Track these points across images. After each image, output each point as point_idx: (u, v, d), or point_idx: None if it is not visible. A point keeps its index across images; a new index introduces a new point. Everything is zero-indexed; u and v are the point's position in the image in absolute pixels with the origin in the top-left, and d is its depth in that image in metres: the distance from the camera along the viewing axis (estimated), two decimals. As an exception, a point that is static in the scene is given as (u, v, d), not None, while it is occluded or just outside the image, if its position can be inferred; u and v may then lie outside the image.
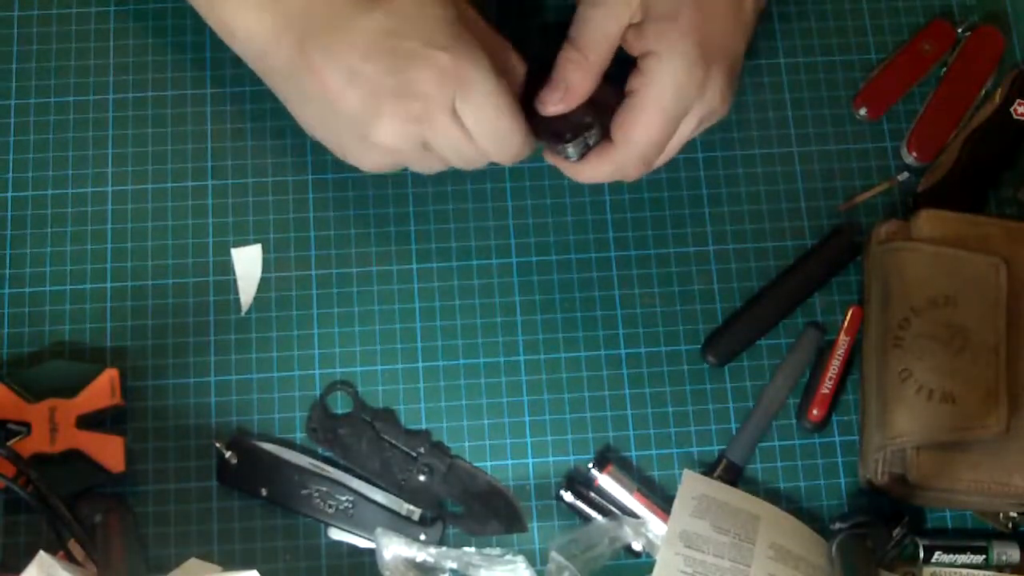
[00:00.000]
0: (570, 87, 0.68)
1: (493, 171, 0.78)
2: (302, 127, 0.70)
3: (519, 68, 0.68)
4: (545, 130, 0.69)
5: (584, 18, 0.68)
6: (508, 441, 0.74)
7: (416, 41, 0.63)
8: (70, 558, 0.66)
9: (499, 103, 0.64)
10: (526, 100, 0.69)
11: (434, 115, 0.64)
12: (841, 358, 0.75)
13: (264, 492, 0.72)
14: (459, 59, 0.63)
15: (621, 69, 0.69)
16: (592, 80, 0.68)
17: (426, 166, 0.69)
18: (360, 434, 0.73)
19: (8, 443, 0.68)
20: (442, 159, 0.68)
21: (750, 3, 0.71)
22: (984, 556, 0.72)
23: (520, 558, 0.70)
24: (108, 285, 0.75)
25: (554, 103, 0.68)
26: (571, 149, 0.70)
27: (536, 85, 0.69)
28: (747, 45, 0.71)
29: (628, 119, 0.68)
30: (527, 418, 0.74)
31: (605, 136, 0.70)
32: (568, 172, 0.73)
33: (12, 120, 0.78)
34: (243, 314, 0.75)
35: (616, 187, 0.78)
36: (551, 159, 0.73)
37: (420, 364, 0.75)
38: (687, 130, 0.70)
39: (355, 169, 0.70)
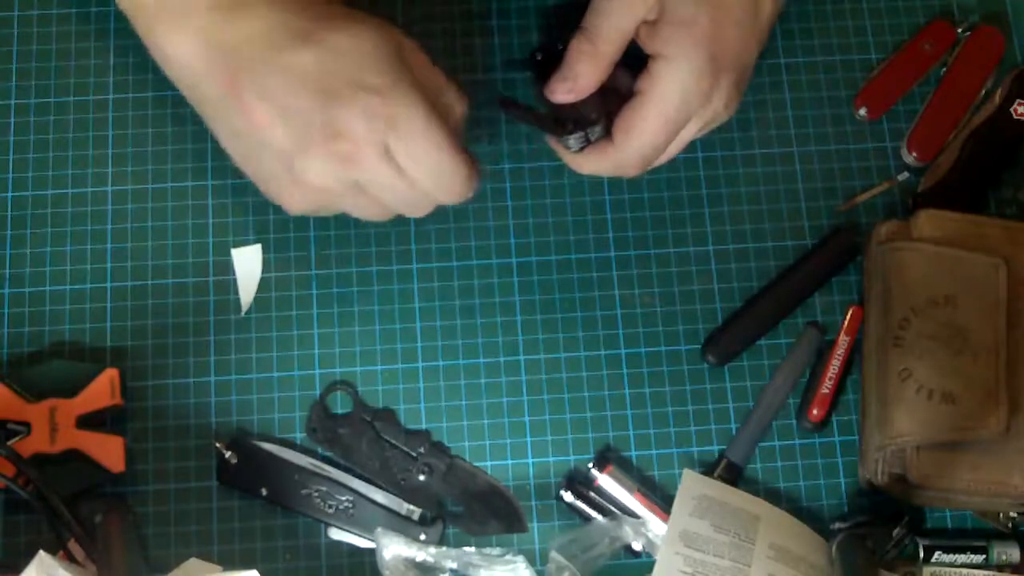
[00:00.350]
0: (579, 78, 0.68)
1: (493, 171, 0.78)
2: (232, 160, 0.69)
3: (458, 106, 0.67)
4: (550, 117, 0.70)
5: (599, 10, 0.68)
6: (508, 441, 0.74)
7: (347, 79, 0.62)
8: (70, 558, 0.66)
9: (434, 140, 0.63)
10: (536, 86, 0.69)
11: (364, 155, 0.62)
12: (841, 358, 0.75)
13: (264, 492, 0.72)
14: (391, 97, 0.62)
15: (639, 61, 0.69)
16: (601, 73, 0.68)
17: (364, 210, 0.67)
18: (360, 434, 0.73)
19: (8, 443, 0.68)
20: (379, 202, 0.66)
21: (766, 13, 0.70)
22: (984, 556, 0.72)
23: (520, 558, 0.70)
24: (108, 285, 0.75)
25: (562, 92, 0.69)
26: (572, 140, 0.70)
27: (544, 71, 0.69)
28: (760, 53, 0.71)
29: (630, 120, 0.68)
30: (527, 418, 0.74)
31: (609, 131, 0.70)
32: (567, 160, 0.73)
33: (12, 120, 0.78)
34: (243, 314, 0.75)
35: (616, 187, 0.78)
36: (553, 145, 0.73)
37: (420, 364, 0.75)
38: (688, 135, 0.71)
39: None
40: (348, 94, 0.61)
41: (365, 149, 0.62)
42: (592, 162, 0.71)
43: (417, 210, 0.68)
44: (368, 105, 0.61)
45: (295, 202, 0.66)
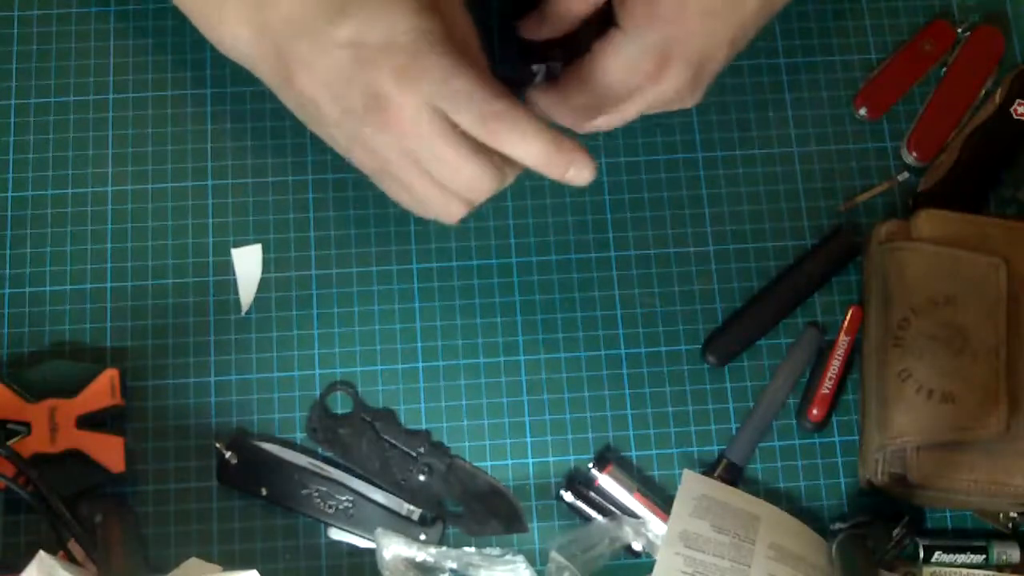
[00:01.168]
0: (546, 22, 0.71)
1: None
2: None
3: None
4: (518, 54, 0.74)
5: None
6: (508, 441, 0.74)
7: (380, 46, 0.62)
8: (70, 558, 0.67)
9: (465, 85, 0.62)
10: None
11: (406, 119, 0.62)
12: (841, 358, 0.75)
13: (264, 492, 0.72)
14: (421, 54, 0.62)
15: None
16: (565, 28, 0.71)
17: (419, 190, 0.66)
18: (360, 434, 0.73)
19: (8, 443, 0.68)
20: (429, 176, 0.65)
21: (749, 9, 0.69)
22: (984, 556, 0.72)
23: (520, 558, 0.70)
24: (108, 285, 0.75)
25: (529, 32, 0.72)
26: (534, 70, 0.74)
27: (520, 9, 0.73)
28: (743, 42, 0.71)
29: (575, 74, 0.70)
30: (527, 418, 0.74)
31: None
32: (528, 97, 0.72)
33: (12, 120, 0.78)
34: (243, 314, 0.75)
35: (616, 187, 0.78)
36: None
37: (420, 364, 0.75)
38: (631, 111, 0.70)
39: (356, 169, 0.70)
40: (382, 61, 0.62)
41: (408, 113, 0.62)
42: (540, 98, 0.71)
43: (464, 183, 0.64)
44: (400, 67, 0.61)
45: (364, 163, 0.67)
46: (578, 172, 0.63)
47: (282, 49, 0.64)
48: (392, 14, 0.63)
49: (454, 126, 0.62)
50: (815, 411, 0.74)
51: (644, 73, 0.68)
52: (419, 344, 0.75)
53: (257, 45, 0.66)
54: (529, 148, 0.62)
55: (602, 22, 0.70)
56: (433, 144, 0.62)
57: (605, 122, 0.71)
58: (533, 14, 0.72)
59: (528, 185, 0.78)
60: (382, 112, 0.62)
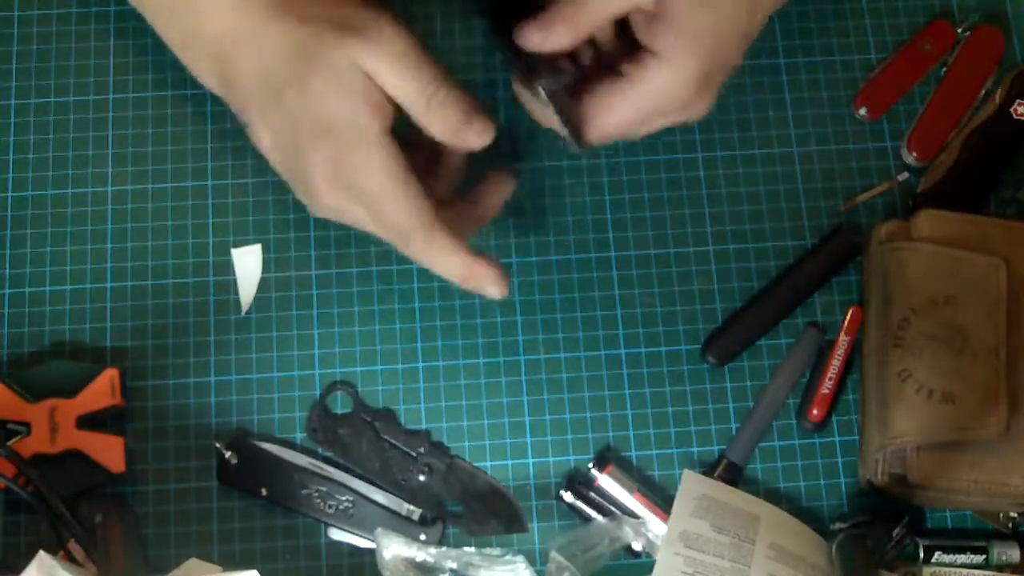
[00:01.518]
0: (551, 37, 0.66)
1: (493, 171, 0.78)
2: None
3: (450, 108, 0.65)
4: (524, 59, 0.68)
5: None
6: (508, 441, 0.74)
7: (315, 125, 0.64)
8: (70, 558, 0.66)
9: (391, 177, 0.64)
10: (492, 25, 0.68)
11: (339, 206, 0.65)
12: (841, 358, 0.75)
13: (264, 492, 0.72)
14: (351, 142, 0.63)
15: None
16: (574, 41, 0.67)
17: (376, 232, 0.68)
18: (360, 434, 0.73)
19: (8, 443, 0.68)
20: (381, 231, 0.67)
21: (759, 21, 0.69)
22: (984, 556, 0.72)
23: (520, 558, 0.70)
24: (108, 285, 0.75)
25: (531, 43, 0.67)
26: (542, 86, 0.68)
27: (503, 12, 0.68)
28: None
29: (606, 99, 0.68)
30: (527, 418, 0.74)
31: (575, 89, 0.68)
32: (530, 108, 0.71)
33: (12, 120, 0.78)
34: (243, 314, 0.75)
35: (616, 187, 0.78)
36: (516, 87, 0.71)
37: (420, 364, 0.75)
38: (657, 126, 0.70)
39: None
40: (315, 147, 0.63)
41: (338, 202, 0.65)
42: (556, 122, 0.70)
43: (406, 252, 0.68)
44: (332, 160, 0.63)
45: (316, 213, 0.69)
46: (493, 290, 0.68)
47: (244, 100, 0.67)
48: (325, 93, 0.63)
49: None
50: (815, 411, 0.74)
51: (684, 101, 0.67)
52: (419, 344, 0.75)
53: (223, 90, 0.68)
54: (442, 268, 0.67)
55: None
56: (367, 224, 0.66)
57: (623, 137, 0.71)
58: (533, 24, 0.67)
59: (528, 185, 0.78)
60: (317, 200, 0.66)
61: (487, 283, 0.67)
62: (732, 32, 0.67)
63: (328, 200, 0.65)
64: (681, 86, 0.67)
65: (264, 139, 0.66)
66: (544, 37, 0.66)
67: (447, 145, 0.66)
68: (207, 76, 0.69)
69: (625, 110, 0.68)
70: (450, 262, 0.66)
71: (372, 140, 0.63)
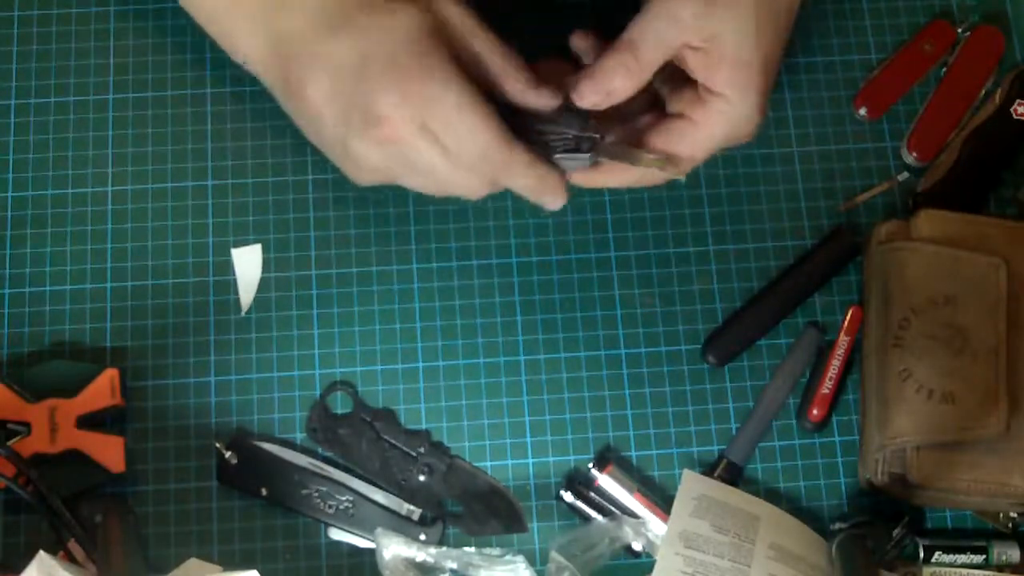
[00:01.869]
0: (615, 92, 0.67)
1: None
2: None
3: (512, 76, 0.66)
4: (532, 134, 0.67)
5: (645, 26, 0.66)
6: (508, 441, 0.74)
7: (382, 63, 0.63)
8: (70, 558, 0.67)
9: (468, 119, 0.63)
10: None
11: (402, 136, 0.64)
12: (841, 358, 0.75)
13: (264, 492, 0.72)
14: (423, 77, 0.63)
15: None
16: (636, 88, 0.67)
17: (424, 187, 0.68)
18: (360, 434, 0.73)
19: (8, 443, 0.68)
20: (433, 180, 0.67)
21: (790, 25, 0.70)
22: (984, 556, 0.72)
23: (520, 558, 0.70)
24: (108, 285, 0.75)
25: (591, 100, 0.67)
26: (568, 161, 0.68)
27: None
28: None
29: (677, 143, 0.69)
30: (527, 418, 0.74)
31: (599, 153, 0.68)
32: (577, 179, 0.71)
33: (12, 120, 0.78)
34: (243, 314, 0.75)
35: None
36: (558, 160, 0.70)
37: (420, 364, 0.75)
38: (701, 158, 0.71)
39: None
40: (383, 78, 0.63)
41: (403, 131, 0.64)
42: (616, 175, 0.71)
43: (471, 189, 0.67)
44: (401, 87, 0.63)
45: (359, 177, 0.69)
46: (557, 201, 0.69)
47: (290, 62, 0.66)
48: (393, 31, 0.63)
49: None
50: (815, 411, 0.74)
51: (750, 130, 0.69)
52: (419, 344, 0.75)
53: (267, 57, 0.67)
54: (518, 182, 0.67)
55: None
56: (435, 156, 0.65)
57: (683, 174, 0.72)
58: (589, 80, 0.66)
59: (528, 185, 0.78)
60: (378, 129, 0.64)
61: (556, 194, 0.68)
62: (776, 53, 0.69)
63: (396, 124, 0.63)
64: (744, 119, 0.68)
65: (320, 85, 0.65)
66: (604, 95, 0.67)
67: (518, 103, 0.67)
68: (246, 35, 0.68)
69: (697, 151, 0.69)
70: (529, 174, 0.66)
71: (441, 59, 0.63)
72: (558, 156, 0.68)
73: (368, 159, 0.66)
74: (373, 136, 0.64)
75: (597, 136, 0.67)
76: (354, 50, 0.64)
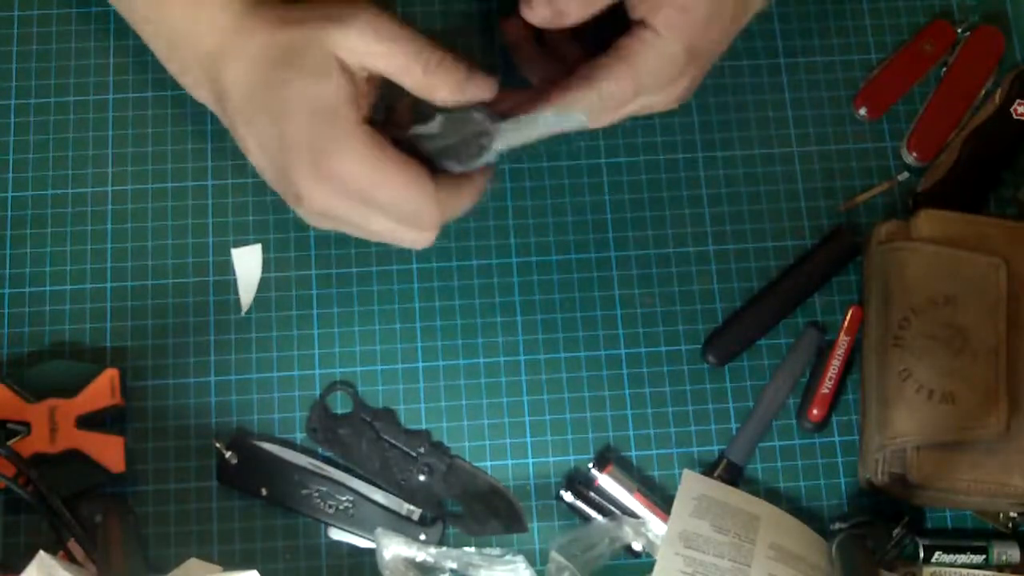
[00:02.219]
0: (562, 12, 0.66)
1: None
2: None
3: (443, 76, 0.64)
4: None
5: None
6: (508, 441, 0.74)
7: (296, 141, 0.63)
8: (70, 558, 0.67)
9: (379, 174, 0.63)
10: None
11: (329, 209, 0.65)
12: (841, 358, 0.75)
13: (264, 492, 0.72)
14: (339, 152, 0.63)
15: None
16: (582, 18, 0.66)
17: (368, 238, 0.68)
18: (360, 434, 0.73)
19: (8, 443, 0.68)
20: (372, 235, 0.67)
21: (747, 18, 0.70)
22: (984, 556, 0.72)
23: (520, 558, 0.70)
24: (108, 285, 0.75)
25: (540, 16, 0.66)
26: (475, 162, 0.67)
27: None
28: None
29: (606, 65, 0.67)
30: (527, 418, 0.74)
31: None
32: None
33: (12, 120, 0.78)
34: (243, 314, 0.75)
35: (616, 187, 0.78)
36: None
37: (420, 364, 0.75)
38: (630, 109, 0.69)
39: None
40: (299, 159, 0.63)
41: (328, 204, 0.64)
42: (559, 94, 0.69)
43: (418, 240, 0.67)
44: (318, 168, 0.63)
45: (309, 220, 0.68)
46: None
47: (230, 110, 0.66)
48: (313, 100, 0.63)
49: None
50: (815, 411, 0.74)
51: (667, 77, 0.67)
52: (419, 344, 0.75)
53: (211, 99, 0.68)
54: (464, 210, 0.67)
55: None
56: (363, 220, 0.65)
57: (598, 124, 0.70)
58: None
59: (528, 186, 0.78)
60: (306, 204, 0.65)
61: (479, 193, 0.68)
62: (720, 13, 0.67)
63: (317, 200, 0.64)
64: (668, 59, 0.66)
65: (251, 148, 0.66)
66: (554, 11, 0.65)
67: (455, 103, 0.65)
68: (204, 95, 0.69)
69: (622, 78, 0.67)
70: (465, 206, 0.67)
71: (350, 128, 0.63)
72: (465, 167, 0.66)
73: (309, 220, 0.67)
74: (303, 209, 0.66)
75: (492, 129, 0.66)
76: (275, 127, 0.64)
